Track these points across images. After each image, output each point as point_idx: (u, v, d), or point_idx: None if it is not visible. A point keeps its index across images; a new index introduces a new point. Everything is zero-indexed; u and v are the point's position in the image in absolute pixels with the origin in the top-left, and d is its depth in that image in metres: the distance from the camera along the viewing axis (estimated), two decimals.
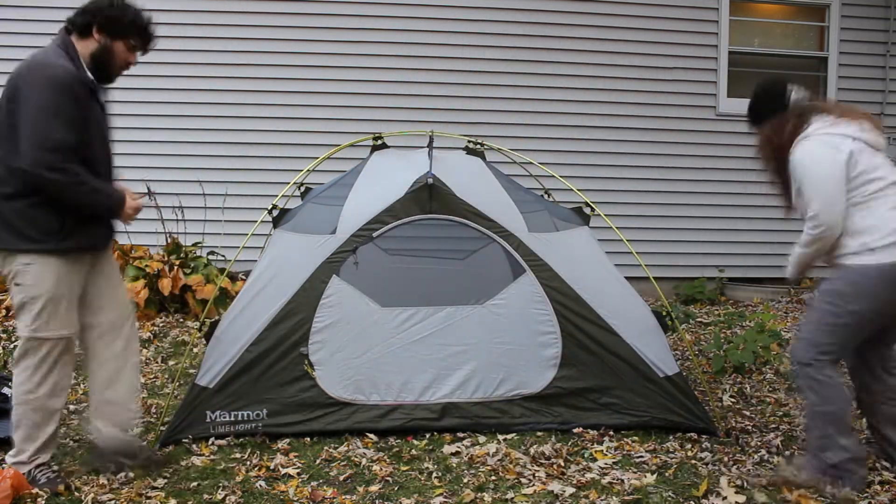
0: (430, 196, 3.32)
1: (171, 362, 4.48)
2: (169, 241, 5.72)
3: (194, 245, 5.87)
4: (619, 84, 6.62)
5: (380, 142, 3.90)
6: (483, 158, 3.86)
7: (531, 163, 4.05)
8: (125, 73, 2.90)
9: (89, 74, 2.78)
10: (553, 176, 3.82)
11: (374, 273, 3.34)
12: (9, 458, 2.81)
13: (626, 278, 3.63)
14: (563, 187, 3.94)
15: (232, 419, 3.25)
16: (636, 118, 6.65)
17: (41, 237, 2.67)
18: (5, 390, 3.48)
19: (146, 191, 5.65)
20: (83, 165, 2.67)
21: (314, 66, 6.33)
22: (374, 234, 3.34)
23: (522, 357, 3.34)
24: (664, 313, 3.59)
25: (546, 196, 4.34)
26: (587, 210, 3.78)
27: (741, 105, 6.76)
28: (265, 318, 3.28)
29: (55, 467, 2.89)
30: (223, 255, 5.84)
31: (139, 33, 2.88)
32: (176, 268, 5.45)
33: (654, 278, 3.64)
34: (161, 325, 5.29)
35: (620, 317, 3.39)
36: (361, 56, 6.35)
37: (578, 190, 3.86)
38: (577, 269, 3.44)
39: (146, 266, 5.34)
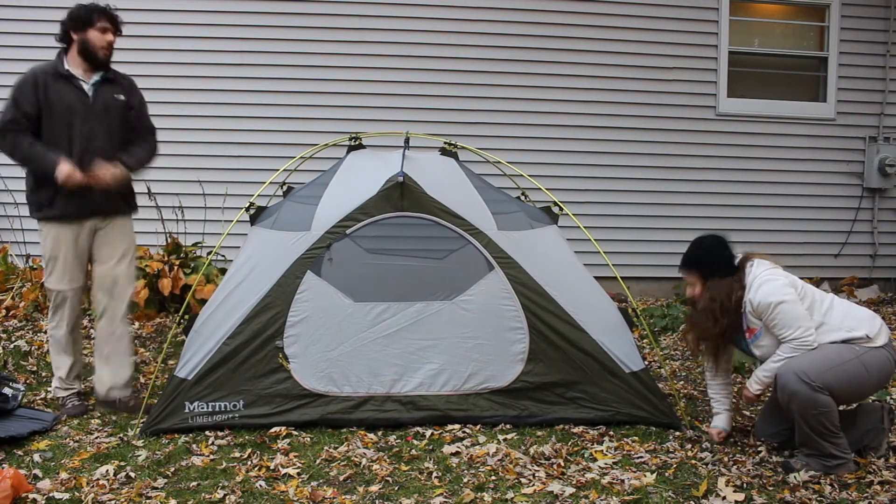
0: (401, 194, 3.40)
1: (171, 362, 4.48)
2: (169, 241, 5.72)
3: (194, 245, 5.88)
4: (619, 84, 6.61)
5: (356, 142, 3.99)
6: (456, 159, 3.95)
7: (500, 161, 4.15)
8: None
9: (66, 67, 3.50)
10: (521, 175, 3.87)
11: (347, 269, 3.42)
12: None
13: (603, 278, 3.67)
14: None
15: (210, 410, 3.34)
16: (636, 118, 6.64)
17: (38, 208, 3.55)
18: (6, 390, 3.48)
19: (146, 191, 5.66)
20: (36, 136, 3.46)
21: (314, 67, 6.31)
22: (348, 231, 3.42)
23: (491, 352, 3.42)
24: (629, 309, 3.64)
25: (523, 197, 4.42)
26: (555, 209, 3.90)
27: (741, 105, 6.90)
28: (242, 312, 3.37)
29: (76, 402, 3.67)
30: (223, 255, 5.85)
31: (101, 15, 3.51)
32: (176, 268, 5.46)
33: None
34: (161, 324, 5.30)
35: (587, 313, 3.47)
36: (359, 56, 6.34)
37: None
38: (545, 266, 3.52)
39: (146, 266, 5.33)
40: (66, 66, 3.51)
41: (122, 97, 3.65)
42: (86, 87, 3.53)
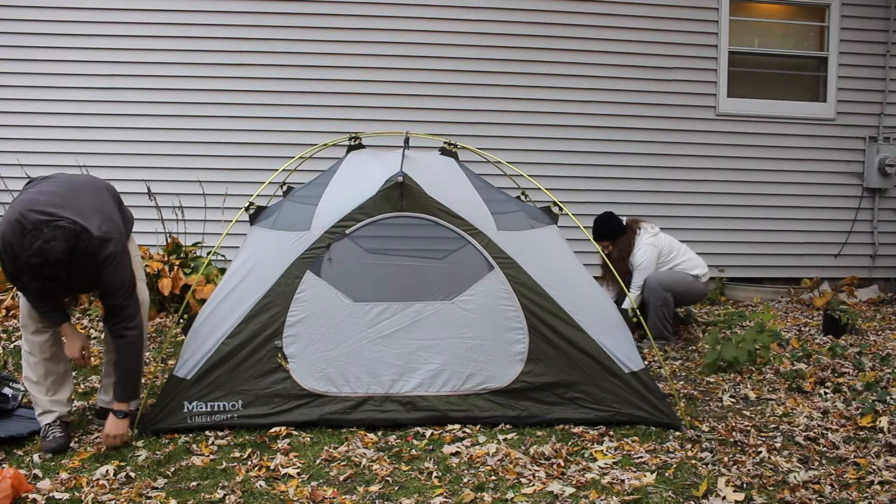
0: (401, 194, 3.40)
1: (170, 362, 4.48)
2: (169, 241, 5.72)
3: (194, 245, 5.88)
4: (619, 84, 6.62)
5: (356, 142, 3.99)
6: (456, 159, 3.95)
7: (500, 161, 4.16)
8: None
9: None
10: (521, 175, 3.87)
11: (347, 269, 3.42)
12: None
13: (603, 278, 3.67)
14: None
15: (208, 409, 3.34)
16: (636, 118, 6.65)
17: None
18: (6, 390, 3.48)
19: (146, 190, 5.66)
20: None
21: (314, 67, 6.32)
22: (348, 231, 3.41)
23: (490, 352, 3.41)
24: (630, 310, 3.64)
25: (523, 197, 4.43)
26: (555, 209, 3.91)
27: (741, 105, 6.90)
28: (241, 311, 3.37)
29: (59, 434, 3.19)
30: (223, 255, 5.85)
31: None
32: (176, 268, 5.45)
33: None
34: (161, 324, 5.30)
35: (586, 313, 3.48)
36: (360, 56, 6.35)
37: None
38: (545, 266, 3.53)
39: (146, 266, 5.33)
40: None
41: None
42: None
